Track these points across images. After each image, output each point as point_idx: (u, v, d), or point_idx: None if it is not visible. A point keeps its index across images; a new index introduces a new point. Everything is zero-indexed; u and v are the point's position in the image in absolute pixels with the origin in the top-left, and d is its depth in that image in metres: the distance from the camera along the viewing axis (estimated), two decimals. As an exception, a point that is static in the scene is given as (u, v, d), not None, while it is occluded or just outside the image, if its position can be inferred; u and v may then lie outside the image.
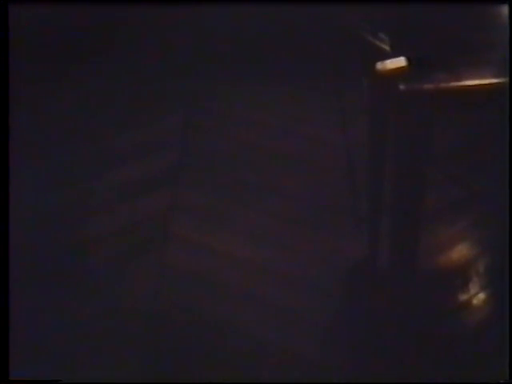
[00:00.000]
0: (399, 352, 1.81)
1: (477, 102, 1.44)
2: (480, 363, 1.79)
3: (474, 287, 2.02)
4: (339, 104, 2.75)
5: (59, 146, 2.53)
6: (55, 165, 2.46)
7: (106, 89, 2.79)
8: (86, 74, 2.84)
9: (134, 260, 2.11)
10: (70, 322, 1.91)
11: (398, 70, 1.38)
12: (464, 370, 1.78)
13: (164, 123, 2.68)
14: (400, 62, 1.38)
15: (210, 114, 2.76)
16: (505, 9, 1.58)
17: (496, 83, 1.41)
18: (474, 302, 1.99)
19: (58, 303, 1.96)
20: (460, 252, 2.15)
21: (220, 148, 2.58)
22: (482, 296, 2.00)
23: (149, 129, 2.65)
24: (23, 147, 2.33)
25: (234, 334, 1.88)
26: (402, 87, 1.38)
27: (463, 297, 2.00)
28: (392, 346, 1.82)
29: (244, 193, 2.36)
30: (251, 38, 2.90)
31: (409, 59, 1.38)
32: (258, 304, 1.97)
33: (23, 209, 2.18)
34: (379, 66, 1.38)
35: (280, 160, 2.51)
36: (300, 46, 2.87)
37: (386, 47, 1.44)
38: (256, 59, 2.91)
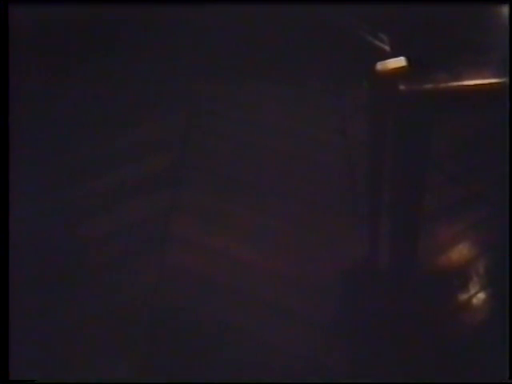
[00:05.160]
0: (399, 352, 1.81)
1: (477, 102, 1.44)
2: (480, 363, 1.79)
3: (474, 287, 2.02)
4: (339, 104, 2.75)
5: (59, 145, 2.53)
6: (55, 164, 2.46)
7: (106, 88, 2.79)
8: (87, 73, 2.84)
9: (133, 260, 2.11)
10: (70, 322, 1.91)
11: (398, 70, 1.38)
12: (464, 369, 1.78)
13: (164, 123, 2.68)
14: (400, 62, 1.38)
15: (211, 114, 2.75)
16: (505, 9, 1.58)
17: (496, 83, 1.41)
18: (474, 302, 1.99)
19: (57, 303, 1.96)
20: (460, 252, 2.15)
21: (220, 148, 2.58)
22: (481, 296, 2.00)
23: (149, 128, 2.65)
24: (23, 147, 2.33)
25: (234, 333, 1.88)
26: (401, 87, 1.38)
27: (463, 297, 2.00)
28: (392, 346, 1.82)
29: (244, 193, 2.36)
30: (251, 38, 2.89)
31: (409, 59, 1.38)
32: (258, 304, 1.96)
33: (22, 208, 2.18)
34: (379, 66, 1.38)
35: (280, 160, 2.51)
36: (300, 45, 2.86)
37: (386, 47, 1.44)
38: (256, 59, 2.91)
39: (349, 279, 2.07)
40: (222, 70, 2.90)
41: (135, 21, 2.88)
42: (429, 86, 1.39)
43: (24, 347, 1.78)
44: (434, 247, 2.11)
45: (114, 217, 2.26)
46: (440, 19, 1.57)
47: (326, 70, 2.78)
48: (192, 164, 2.50)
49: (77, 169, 2.46)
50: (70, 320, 1.92)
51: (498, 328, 1.81)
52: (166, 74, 2.86)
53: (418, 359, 1.79)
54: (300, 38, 2.85)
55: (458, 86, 1.40)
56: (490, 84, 1.41)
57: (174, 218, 2.26)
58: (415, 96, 1.40)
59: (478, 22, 1.58)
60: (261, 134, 2.64)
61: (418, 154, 1.49)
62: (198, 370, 1.80)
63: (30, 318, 1.89)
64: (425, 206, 1.59)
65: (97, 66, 2.86)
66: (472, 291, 2.01)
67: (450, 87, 1.40)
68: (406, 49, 1.42)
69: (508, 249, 1.63)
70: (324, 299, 1.98)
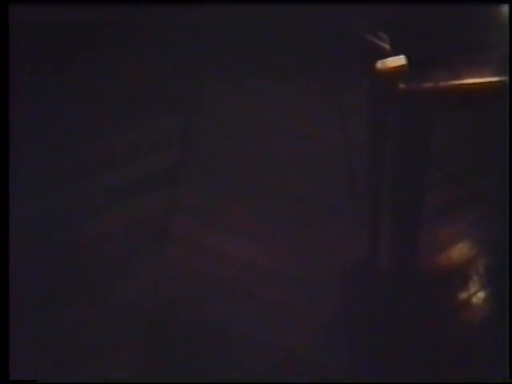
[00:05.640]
0: (399, 352, 1.81)
1: (477, 101, 1.44)
2: (480, 363, 1.79)
3: (473, 287, 2.02)
4: (339, 104, 2.75)
5: (59, 145, 2.53)
6: (55, 165, 2.46)
7: (105, 88, 2.79)
8: (87, 73, 2.84)
9: (133, 260, 2.11)
10: (69, 322, 1.91)
11: (398, 69, 1.38)
12: (464, 370, 1.78)
13: (164, 123, 2.68)
14: (400, 61, 1.38)
15: (210, 114, 2.76)
16: (505, 9, 1.58)
17: (496, 83, 1.41)
18: (474, 301, 1.99)
19: (57, 303, 1.96)
20: (460, 252, 2.15)
21: (220, 148, 2.58)
22: (481, 296, 2.00)
23: (149, 129, 2.65)
24: (23, 148, 2.33)
25: (234, 333, 1.88)
26: (401, 87, 1.38)
27: (463, 296, 2.00)
28: (392, 346, 1.82)
29: (244, 193, 2.36)
30: (251, 38, 2.90)
31: (409, 58, 1.38)
32: (258, 304, 1.96)
33: (22, 209, 2.18)
34: (379, 65, 1.38)
35: (280, 160, 2.51)
36: (300, 45, 2.87)
37: (386, 46, 1.44)
38: (256, 59, 2.91)
39: (349, 279, 2.07)
40: (221, 69, 2.90)
41: (136, 20, 2.88)
42: (429, 84, 1.39)
43: (24, 347, 1.78)
44: (433, 247, 2.11)
45: (113, 216, 2.26)
46: (440, 19, 1.57)
47: (326, 69, 2.78)
48: (192, 164, 2.51)
49: (77, 168, 2.46)
50: (70, 320, 1.92)
51: (498, 328, 1.81)
52: (166, 73, 2.86)
53: (417, 359, 1.79)
54: (300, 37, 2.85)
55: (458, 85, 1.40)
56: (490, 83, 1.41)
57: (174, 217, 2.26)
58: (415, 95, 1.40)
59: (477, 22, 1.59)
60: (261, 133, 2.64)
61: (417, 153, 1.49)
62: (197, 369, 1.80)
63: (30, 318, 1.89)
64: (424, 205, 1.59)
65: (97, 65, 2.86)
66: (472, 291, 2.01)
67: (450, 86, 1.40)
68: (406, 48, 1.42)
69: (508, 249, 1.63)
70: (324, 299, 1.98)
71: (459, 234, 2.20)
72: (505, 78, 1.39)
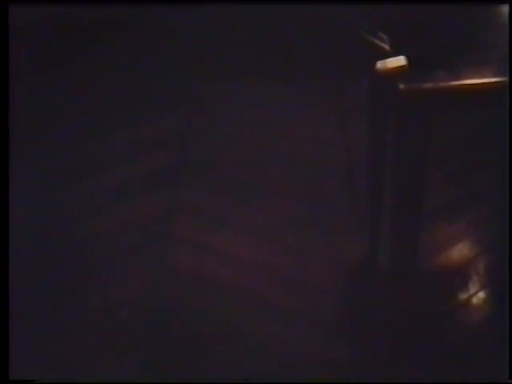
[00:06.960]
0: (399, 352, 1.81)
1: (477, 101, 1.45)
2: (480, 363, 1.79)
3: (473, 287, 2.02)
4: (339, 104, 2.75)
5: (59, 145, 2.53)
6: (54, 164, 2.46)
7: (105, 88, 2.79)
8: (87, 72, 2.84)
9: (133, 260, 2.11)
10: (69, 322, 1.91)
11: (398, 70, 1.38)
12: (464, 370, 1.78)
13: (164, 122, 2.68)
14: (400, 61, 1.39)
15: (210, 114, 2.75)
16: (505, 9, 1.58)
17: (496, 83, 1.41)
18: (474, 301, 1.99)
19: (57, 303, 1.96)
20: (460, 251, 2.15)
21: (220, 148, 2.58)
22: (481, 296, 2.00)
23: (149, 128, 2.65)
24: (22, 147, 2.33)
25: (234, 333, 1.88)
26: (401, 87, 1.38)
27: (463, 296, 2.00)
28: (392, 346, 1.82)
29: (244, 193, 2.36)
30: (251, 38, 2.90)
31: (409, 58, 1.38)
32: (258, 303, 1.97)
33: (23, 209, 2.18)
34: (379, 65, 1.39)
35: (280, 160, 2.51)
36: (300, 45, 2.87)
37: (386, 46, 1.44)
38: (256, 59, 2.91)
39: (349, 279, 2.07)
40: (222, 69, 2.90)
41: (135, 20, 2.88)
42: (429, 85, 1.39)
43: (24, 347, 1.78)
44: (433, 246, 2.11)
45: (113, 216, 2.26)
46: (440, 19, 1.57)
47: (326, 69, 2.78)
48: (192, 164, 2.50)
49: (76, 168, 2.46)
50: (70, 319, 1.92)
51: (498, 328, 1.81)
52: (166, 73, 2.86)
53: (417, 359, 1.79)
54: (300, 37, 2.85)
55: (458, 85, 1.40)
56: (490, 83, 1.41)
57: (174, 217, 2.26)
58: (415, 95, 1.40)
59: (478, 22, 1.59)
60: (261, 133, 2.64)
61: (417, 153, 1.49)
62: (197, 369, 1.80)
63: (29, 318, 1.89)
64: (425, 205, 1.59)
65: (97, 65, 2.86)
66: (472, 291, 2.01)
67: (450, 86, 1.40)
68: (406, 48, 1.42)
69: (508, 249, 1.63)
70: (324, 299, 1.98)
71: (459, 234, 2.20)
72: (505, 78, 1.39)
